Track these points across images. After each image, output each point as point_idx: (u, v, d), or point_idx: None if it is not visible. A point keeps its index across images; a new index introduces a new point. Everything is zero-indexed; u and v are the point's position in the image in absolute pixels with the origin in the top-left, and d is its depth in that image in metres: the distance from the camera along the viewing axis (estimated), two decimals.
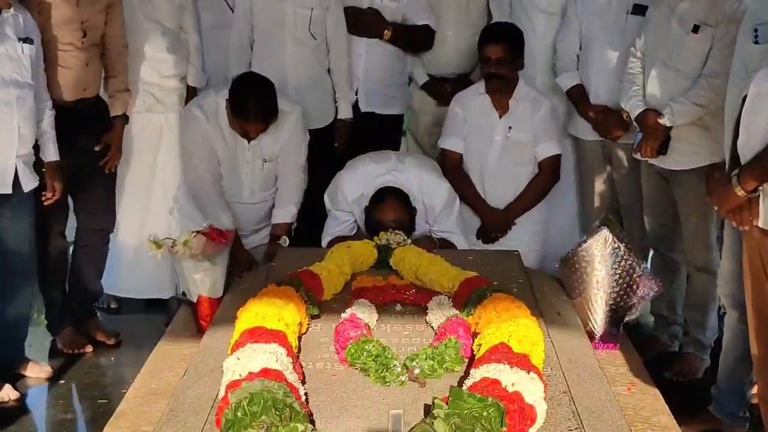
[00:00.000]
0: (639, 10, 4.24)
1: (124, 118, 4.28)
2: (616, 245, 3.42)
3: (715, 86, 3.72)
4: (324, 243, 4.19)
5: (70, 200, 4.19)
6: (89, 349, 4.21)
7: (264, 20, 4.57)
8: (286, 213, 4.29)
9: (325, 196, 4.35)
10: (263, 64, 4.46)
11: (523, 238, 4.46)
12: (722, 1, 3.69)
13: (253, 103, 3.97)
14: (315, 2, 4.54)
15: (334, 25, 4.62)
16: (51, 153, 3.80)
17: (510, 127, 4.41)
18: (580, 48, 4.49)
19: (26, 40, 3.62)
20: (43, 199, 3.80)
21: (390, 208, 4.01)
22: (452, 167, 4.46)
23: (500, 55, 4.27)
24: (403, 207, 4.05)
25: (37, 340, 4.25)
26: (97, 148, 4.12)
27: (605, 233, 3.46)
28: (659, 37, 3.93)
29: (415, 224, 4.13)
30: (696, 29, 3.75)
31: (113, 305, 4.76)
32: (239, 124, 4.07)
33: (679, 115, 3.78)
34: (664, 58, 3.88)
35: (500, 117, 4.42)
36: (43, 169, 3.77)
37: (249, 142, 4.19)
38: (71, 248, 4.34)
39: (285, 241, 4.19)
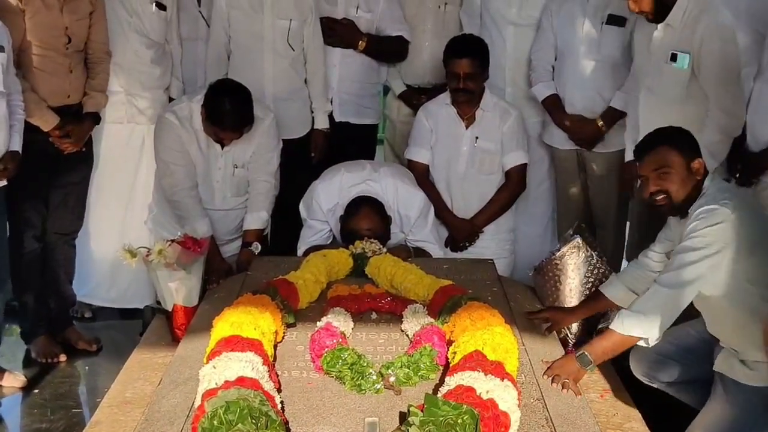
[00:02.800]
0: (614, 20, 4.29)
1: (95, 118, 4.23)
2: (588, 253, 3.47)
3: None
4: (299, 252, 4.19)
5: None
6: (63, 358, 4.18)
7: (242, 32, 4.58)
8: (258, 219, 4.28)
9: (301, 206, 4.36)
10: (241, 75, 4.43)
11: (491, 247, 4.49)
12: (694, 28, 3.66)
13: (229, 111, 3.97)
14: (294, 14, 4.56)
15: (311, 37, 4.63)
16: (15, 143, 3.73)
17: (477, 137, 4.43)
18: (555, 58, 4.53)
19: None
20: None
21: (365, 217, 4.02)
22: (418, 178, 4.46)
23: (467, 70, 4.28)
24: (378, 216, 4.07)
25: (11, 349, 4.22)
26: (57, 132, 4.01)
27: (578, 242, 3.50)
28: (642, 63, 3.95)
29: (390, 233, 4.15)
30: (674, 58, 3.74)
31: (87, 314, 4.73)
32: (214, 131, 4.07)
33: None
34: (648, 84, 3.90)
35: (467, 127, 4.44)
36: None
37: (222, 148, 4.19)
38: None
39: (257, 247, 4.19)
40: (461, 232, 4.49)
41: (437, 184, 4.49)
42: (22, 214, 3.96)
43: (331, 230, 4.26)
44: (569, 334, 3.49)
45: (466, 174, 4.46)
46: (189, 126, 4.13)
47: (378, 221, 4.05)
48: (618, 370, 3.29)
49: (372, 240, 3.80)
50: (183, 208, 4.17)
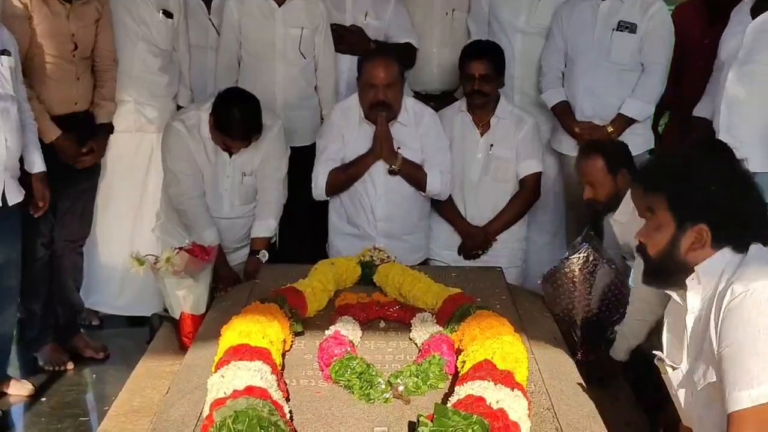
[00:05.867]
0: (624, 26, 4.28)
1: (109, 127, 4.29)
2: (597, 261, 3.44)
3: None
4: (321, 183, 4.22)
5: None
6: (70, 366, 4.18)
7: (254, 40, 4.59)
8: (265, 227, 4.28)
9: (316, 138, 4.40)
10: (252, 83, 4.47)
11: (504, 255, 4.46)
12: None
13: (237, 119, 3.97)
14: (305, 22, 4.57)
15: (322, 44, 4.65)
16: (38, 164, 3.78)
17: (491, 145, 4.41)
18: (565, 65, 4.53)
19: (3, 52, 3.61)
20: (32, 212, 3.79)
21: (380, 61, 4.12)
22: None
23: (483, 71, 4.28)
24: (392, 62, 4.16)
25: (18, 357, 4.21)
26: (84, 149, 4.11)
27: (587, 249, 3.47)
28: None
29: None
30: None
31: (95, 322, 4.73)
32: (222, 140, 4.07)
33: None
34: None
35: (481, 135, 4.42)
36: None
37: (231, 156, 4.18)
38: None
39: (264, 255, 4.19)
40: (474, 239, 4.46)
41: (451, 192, 4.46)
42: (31, 222, 3.97)
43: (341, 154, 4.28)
44: (577, 343, 3.47)
45: (480, 181, 4.44)
46: (197, 134, 4.13)
47: (393, 64, 4.14)
48: (629, 380, 3.28)
49: (380, 248, 3.79)
50: (190, 216, 4.17)
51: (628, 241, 3.58)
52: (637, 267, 3.35)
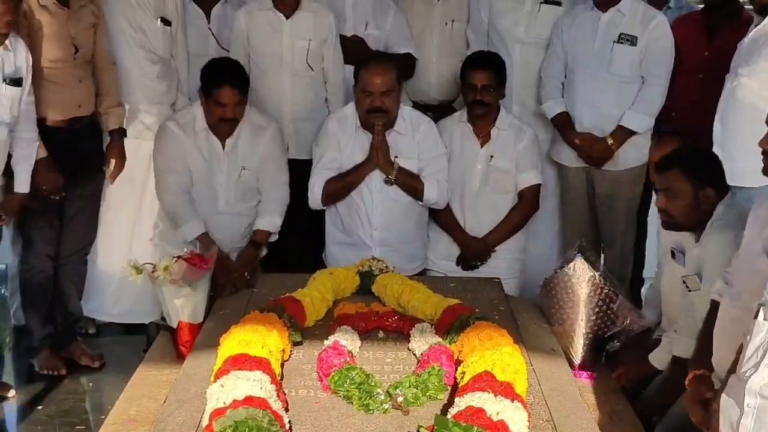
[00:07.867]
0: (625, 39, 4.29)
1: (122, 132, 4.34)
2: (590, 273, 3.43)
3: None
4: (316, 190, 4.21)
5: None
6: (63, 371, 4.16)
7: (261, 51, 4.59)
8: (270, 222, 4.25)
9: (313, 147, 4.38)
10: (260, 95, 4.50)
11: (502, 266, 4.45)
12: None
13: (223, 66, 4.09)
14: (313, 34, 4.57)
15: (331, 56, 4.64)
16: (22, 185, 3.79)
17: (491, 156, 4.41)
18: (565, 76, 4.53)
19: (16, 81, 3.66)
20: None
21: (377, 69, 4.12)
22: None
23: (485, 81, 4.28)
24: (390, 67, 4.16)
25: (14, 364, 4.20)
26: (105, 168, 4.22)
27: (579, 261, 3.47)
28: None
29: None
30: None
31: (91, 330, 4.72)
32: (213, 105, 4.05)
33: None
34: None
35: (482, 146, 4.42)
36: None
37: (224, 148, 4.17)
38: None
39: (263, 250, 4.21)
40: (473, 250, 4.45)
41: (450, 202, 4.43)
42: (33, 233, 3.96)
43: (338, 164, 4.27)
44: (573, 355, 3.46)
45: (480, 192, 4.43)
46: (191, 130, 4.16)
47: (390, 71, 4.13)
48: (626, 393, 3.28)
49: (379, 258, 3.79)
50: (176, 209, 4.16)
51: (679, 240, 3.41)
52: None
